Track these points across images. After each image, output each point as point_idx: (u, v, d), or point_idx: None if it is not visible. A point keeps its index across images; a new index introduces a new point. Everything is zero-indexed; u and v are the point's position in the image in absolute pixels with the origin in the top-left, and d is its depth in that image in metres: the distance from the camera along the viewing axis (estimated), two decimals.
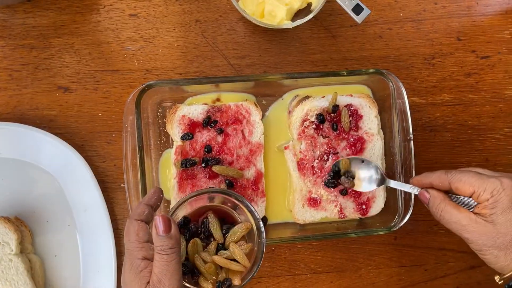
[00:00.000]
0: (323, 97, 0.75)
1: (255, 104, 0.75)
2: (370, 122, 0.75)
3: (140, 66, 0.79)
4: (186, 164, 0.71)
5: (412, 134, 0.74)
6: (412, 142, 0.74)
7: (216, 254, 0.62)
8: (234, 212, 0.65)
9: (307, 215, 0.75)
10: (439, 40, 0.83)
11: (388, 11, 0.82)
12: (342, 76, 0.74)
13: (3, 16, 0.77)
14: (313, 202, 0.74)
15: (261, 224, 0.61)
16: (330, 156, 0.74)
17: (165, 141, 0.76)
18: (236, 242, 0.62)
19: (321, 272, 0.82)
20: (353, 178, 0.73)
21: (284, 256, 0.81)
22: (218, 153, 0.73)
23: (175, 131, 0.73)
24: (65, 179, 0.75)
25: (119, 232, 0.78)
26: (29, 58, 0.77)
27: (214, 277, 0.61)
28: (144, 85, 0.70)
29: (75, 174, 0.75)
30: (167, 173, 0.75)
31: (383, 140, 0.76)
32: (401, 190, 0.73)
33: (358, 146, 0.74)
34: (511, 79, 0.84)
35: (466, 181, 0.61)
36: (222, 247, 0.63)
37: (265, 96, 0.78)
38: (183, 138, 0.73)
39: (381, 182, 0.72)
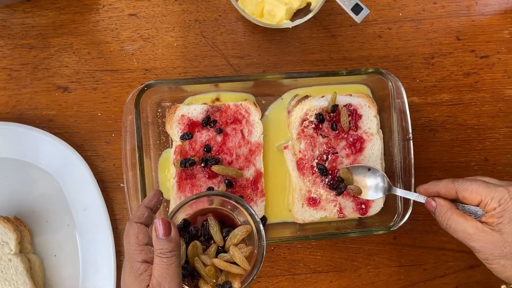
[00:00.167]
0: (322, 96, 0.75)
1: (255, 104, 0.75)
2: (370, 121, 0.75)
3: (139, 66, 0.79)
4: (186, 164, 0.71)
5: (412, 133, 0.74)
6: (411, 141, 0.74)
7: (216, 257, 0.61)
8: (234, 214, 0.65)
9: (306, 215, 0.75)
10: (438, 39, 0.83)
11: (387, 11, 0.82)
12: (341, 75, 0.74)
13: (2, 16, 0.77)
14: (313, 202, 0.74)
15: (261, 227, 0.61)
16: (329, 156, 0.74)
17: (164, 141, 0.76)
18: (236, 245, 0.62)
19: (321, 271, 0.82)
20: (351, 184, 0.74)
21: (284, 255, 0.81)
22: (217, 153, 0.73)
23: (175, 130, 0.73)
24: (65, 179, 0.75)
25: (119, 231, 0.78)
26: (28, 57, 0.77)
27: (214, 280, 0.60)
28: (144, 85, 0.70)
29: (75, 174, 0.75)
30: (167, 172, 0.75)
31: (382, 140, 0.76)
32: None
33: (357, 145, 0.74)
34: (510, 78, 0.84)
35: (473, 190, 0.61)
36: (222, 250, 0.62)
37: (265, 95, 0.77)
38: (183, 137, 0.73)
39: (388, 190, 0.72)
